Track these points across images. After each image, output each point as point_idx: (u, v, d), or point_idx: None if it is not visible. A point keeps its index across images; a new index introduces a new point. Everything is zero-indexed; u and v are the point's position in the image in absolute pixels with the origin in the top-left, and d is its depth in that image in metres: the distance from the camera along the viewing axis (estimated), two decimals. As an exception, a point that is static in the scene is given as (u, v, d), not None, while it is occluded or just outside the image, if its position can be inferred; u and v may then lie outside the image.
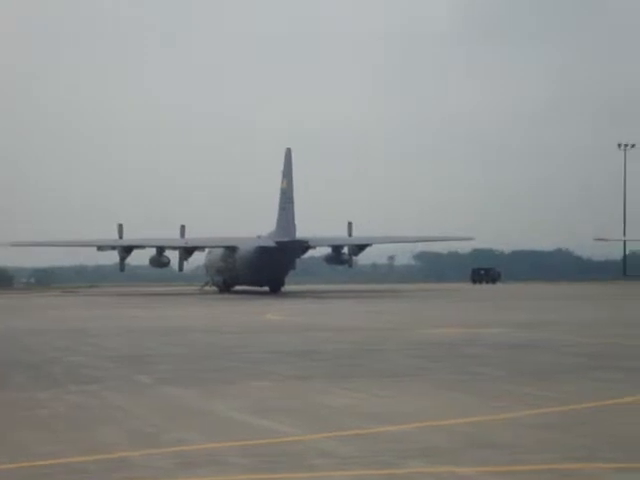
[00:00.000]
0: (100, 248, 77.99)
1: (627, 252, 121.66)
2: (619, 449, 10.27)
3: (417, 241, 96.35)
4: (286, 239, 68.61)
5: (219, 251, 76.62)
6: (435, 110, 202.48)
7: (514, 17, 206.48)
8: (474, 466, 9.46)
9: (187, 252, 77.42)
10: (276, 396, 14.89)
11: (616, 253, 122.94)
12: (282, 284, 73.97)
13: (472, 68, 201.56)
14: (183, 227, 78.04)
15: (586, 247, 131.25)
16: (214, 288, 79.04)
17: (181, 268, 79.94)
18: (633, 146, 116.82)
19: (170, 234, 78.29)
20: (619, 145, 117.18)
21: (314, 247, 75.90)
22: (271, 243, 69.79)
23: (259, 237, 73.19)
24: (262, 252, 70.07)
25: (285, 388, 15.90)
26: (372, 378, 17.12)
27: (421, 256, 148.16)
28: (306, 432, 11.48)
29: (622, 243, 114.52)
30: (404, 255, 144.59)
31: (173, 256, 77.81)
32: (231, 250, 73.65)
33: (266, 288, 73.30)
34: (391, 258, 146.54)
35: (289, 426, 11.92)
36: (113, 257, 79.29)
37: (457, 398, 14.45)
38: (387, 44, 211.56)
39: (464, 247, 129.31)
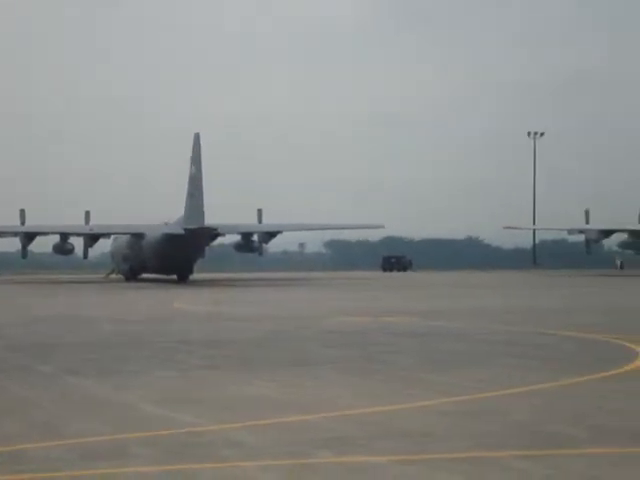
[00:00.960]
0: (0, 234, 76.18)
1: (536, 241, 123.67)
2: (528, 436, 10.24)
3: (327, 229, 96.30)
4: (194, 226, 67.69)
5: (125, 238, 75.44)
6: (350, 99, 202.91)
7: (427, 5, 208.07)
8: (385, 455, 9.32)
9: (92, 239, 76.05)
10: (184, 386, 14.59)
11: (526, 242, 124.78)
12: (190, 272, 73.09)
13: (386, 56, 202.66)
14: (88, 213, 76.53)
15: (496, 236, 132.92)
16: (120, 276, 77.88)
17: (86, 255, 78.55)
18: (542, 134, 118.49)
19: (77, 220, 76.83)
20: (529, 133, 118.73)
21: (223, 234, 75.25)
22: (179, 230, 68.84)
23: (166, 224, 72.16)
24: (170, 239, 69.11)
25: (193, 378, 15.61)
26: (282, 367, 16.92)
27: (332, 244, 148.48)
28: (215, 422, 11.22)
29: (532, 232, 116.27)
30: (315, 243, 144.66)
31: (78, 243, 76.43)
32: (138, 237, 72.55)
33: (174, 276, 72.41)
34: (302, 246, 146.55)
35: (197, 416, 11.64)
36: (15, 244, 77.47)
37: (368, 386, 14.33)
38: (295, 36, 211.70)
39: (375, 235, 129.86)
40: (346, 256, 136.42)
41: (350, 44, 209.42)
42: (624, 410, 11.96)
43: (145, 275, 75.43)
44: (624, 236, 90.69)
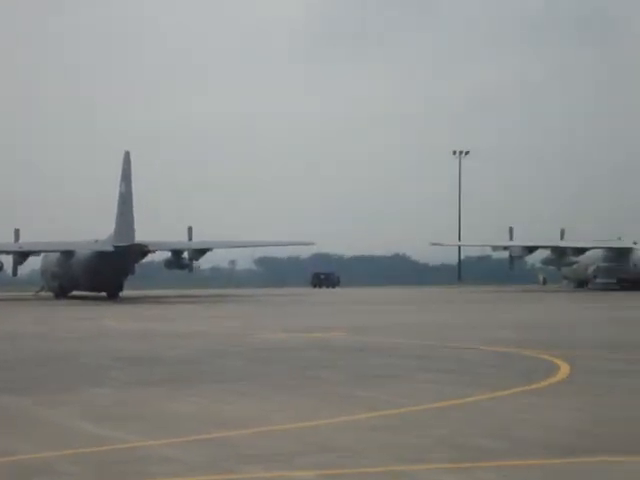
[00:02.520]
0: None
1: (462, 257, 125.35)
2: (448, 450, 10.59)
3: (257, 246, 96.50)
4: (124, 243, 67.51)
5: (55, 255, 74.83)
6: (275, 114, 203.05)
7: (353, 19, 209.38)
8: (312, 470, 9.58)
9: (21, 256, 75.28)
10: (116, 403, 14.69)
11: (451, 258, 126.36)
12: (120, 289, 72.78)
13: (309, 71, 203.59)
14: (17, 231, 75.86)
15: (423, 252, 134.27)
16: (50, 293, 77.16)
17: (15, 273, 77.67)
18: (467, 153, 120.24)
19: (7, 238, 75.93)
20: (454, 152, 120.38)
21: (154, 251, 75.04)
22: (109, 247, 68.60)
23: (96, 241, 71.80)
24: (100, 257, 68.84)
25: (125, 394, 15.71)
26: (214, 383, 17.11)
27: (262, 261, 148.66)
28: (146, 439, 11.38)
29: (457, 248, 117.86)
30: (245, 260, 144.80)
31: (7, 261, 75.58)
32: (67, 255, 72.05)
33: (104, 293, 72.03)
34: (232, 263, 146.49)
35: (129, 433, 11.79)
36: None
37: (296, 402, 14.58)
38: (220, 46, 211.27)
39: (304, 252, 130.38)
40: (276, 273, 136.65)
41: (274, 61, 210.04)
42: (543, 423, 12.37)
43: (75, 292, 74.83)
44: (547, 252, 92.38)
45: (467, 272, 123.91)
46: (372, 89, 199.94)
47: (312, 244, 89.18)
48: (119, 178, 70.20)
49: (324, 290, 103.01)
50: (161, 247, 75.40)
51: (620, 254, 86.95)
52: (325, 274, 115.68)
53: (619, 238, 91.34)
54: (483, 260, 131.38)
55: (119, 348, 25.48)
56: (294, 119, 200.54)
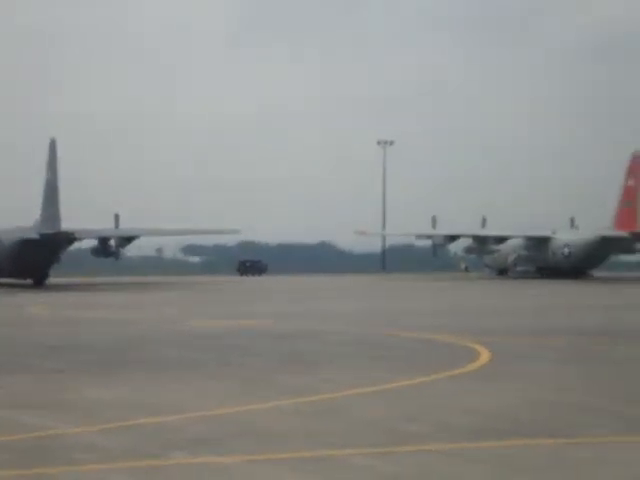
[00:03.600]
0: None
1: (386, 246, 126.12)
2: (374, 434, 10.73)
3: (184, 234, 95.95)
4: (50, 231, 66.71)
5: (-22, 242, 73.58)
6: (211, 102, 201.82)
7: (272, 16, 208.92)
8: (237, 455, 9.64)
9: (-58, 245, 73.86)
10: (39, 390, 14.56)
11: (376, 247, 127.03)
12: (46, 277, 71.95)
13: (240, 68, 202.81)
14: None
15: (348, 241, 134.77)
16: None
17: None
18: (392, 143, 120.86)
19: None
20: (378, 142, 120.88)
21: (80, 239, 74.25)
22: (34, 235, 67.75)
23: (22, 229, 70.81)
24: (25, 244, 67.90)
25: (48, 382, 15.57)
26: (139, 370, 17.03)
27: (189, 248, 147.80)
28: (71, 426, 11.32)
29: (381, 237, 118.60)
30: (172, 247, 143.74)
31: None
32: (-8, 241, 70.94)
33: (29, 281, 71.14)
34: (159, 250, 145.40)
35: (53, 420, 11.71)
36: None
37: (224, 388, 14.62)
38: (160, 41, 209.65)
39: (231, 240, 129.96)
40: (203, 260, 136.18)
41: (204, 52, 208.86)
42: (466, 408, 12.57)
43: (0, 280, 73.77)
44: (469, 241, 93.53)
45: (391, 261, 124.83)
46: (297, 77, 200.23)
47: (237, 232, 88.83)
48: (45, 166, 69.31)
49: (250, 278, 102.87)
50: (87, 235, 74.62)
51: (539, 243, 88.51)
52: (251, 262, 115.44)
53: (539, 227, 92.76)
54: (407, 249, 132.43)
55: (44, 335, 25.22)
56: (217, 106, 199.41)
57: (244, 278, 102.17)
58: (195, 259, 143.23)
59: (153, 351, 20.80)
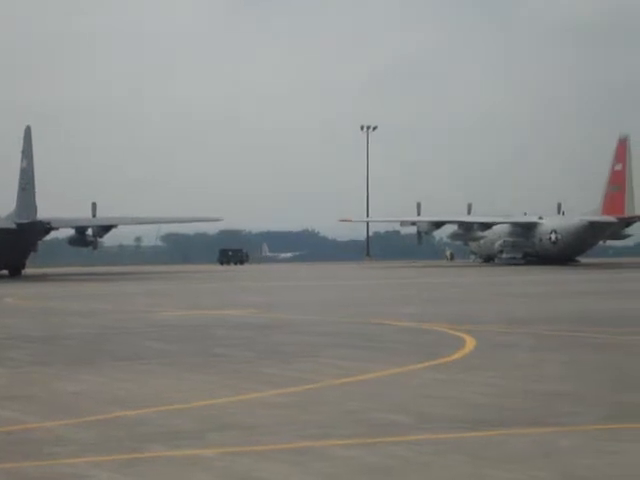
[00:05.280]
0: None
1: (370, 233, 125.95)
2: (355, 425, 10.51)
3: (163, 222, 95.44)
4: (26, 220, 66.16)
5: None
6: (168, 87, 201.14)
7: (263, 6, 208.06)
8: (216, 447, 9.40)
9: None
10: (12, 383, 14.30)
11: (360, 234, 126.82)
12: (23, 267, 71.41)
13: (221, 53, 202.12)
14: None
15: (332, 228, 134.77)
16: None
17: None
18: (375, 128, 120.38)
19: None
20: (362, 127, 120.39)
21: (57, 228, 73.77)
22: (10, 224, 67.14)
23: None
24: (1, 234, 67.33)
25: (22, 374, 15.32)
26: (116, 362, 16.78)
27: (168, 237, 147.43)
28: (43, 419, 11.05)
29: (365, 224, 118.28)
30: (151, 236, 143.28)
31: None
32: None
33: (5, 271, 70.55)
34: (138, 239, 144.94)
35: (27, 414, 11.46)
36: None
37: (202, 380, 14.38)
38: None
39: (212, 228, 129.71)
40: (183, 250, 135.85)
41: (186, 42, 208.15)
42: (450, 397, 12.39)
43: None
44: (454, 227, 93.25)
45: (376, 248, 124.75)
46: (282, 64, 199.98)
47: (219, 220, 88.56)
48: (20, 154, 68.70)
49: (232, 267, 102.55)
50: (64, 224, 74.13)
51: (526, 229, 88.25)
52: (233, 250, 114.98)
53: (525, 213, 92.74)
54: (391, 235, 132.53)
55: (19, 326, 24.90)
56: (196, 92, 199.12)
57: (225, 267, 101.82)
58: (175, 248, 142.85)
59: (130, 342, 20.51)
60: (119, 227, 78.63)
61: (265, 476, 8.33)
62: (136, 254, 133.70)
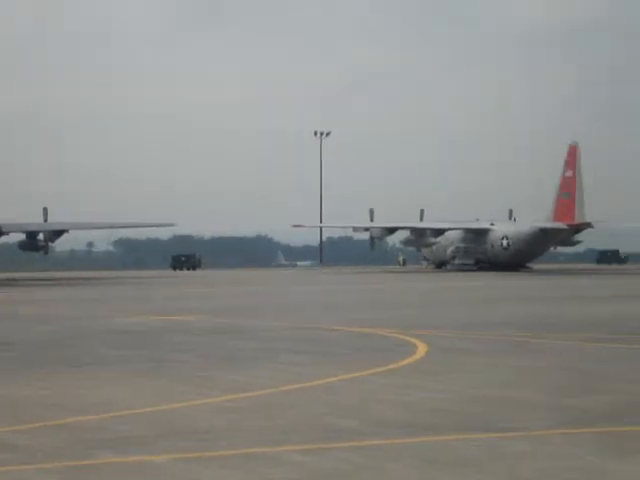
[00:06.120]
0: None
1: (324, 239, 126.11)
2: (308, 431, 10.49)
3: (115, 227, 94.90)
4: (-25, 226, 65.48)
5: None
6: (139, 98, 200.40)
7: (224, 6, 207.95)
8: (166, 454, 9.32)
9: None
10: (-42, 389, 14.05)
11: (314, 239, 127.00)
12: (-29, 272, 70.65)
13: (180, 58, 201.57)
14: None
15: (285, 234, 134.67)
16: None
17: None
18: (329, 134, 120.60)
19: None
20: (315, 133, 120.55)
21: (7, 233, 72.99)
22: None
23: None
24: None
25: (-31, 381, 15.05)
26: (69, 368, 16.61)
27: (120, 242, 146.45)
28: (-9, 426, 10.88)
29: (318, 229, 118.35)
30: (103, 242, 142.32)
31: None
32: None
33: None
34: (90, 245, 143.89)
35: (-27, 421, 11.26)
36: None
37: (155, 386, 14.27)
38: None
39: (165, 233, 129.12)
40: (135, 255, 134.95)
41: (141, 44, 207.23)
42: (401, 403, 12.41)
43: None
44: (407, 233, 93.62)
45: (329, 253, 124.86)
46: (235, 71, 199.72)
47: (172, 225, 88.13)
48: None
49: (185, 272, 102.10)
50: (15, 228, 73.38)
51: (478, 235, 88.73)
52: (186, 256, 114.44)
53: (477, 219, 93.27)
54: (344, 241, 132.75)
55: (-32, 332, 24.55)
56: (154, 108, 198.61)
57: (178, 272, 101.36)
58: (127, 253, 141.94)
59: (83, 348, 20.32)
60: (70, 232, 77.98)
61: (217, 482, 8.27)
62: (88, 259, 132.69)
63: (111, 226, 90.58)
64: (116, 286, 62.07)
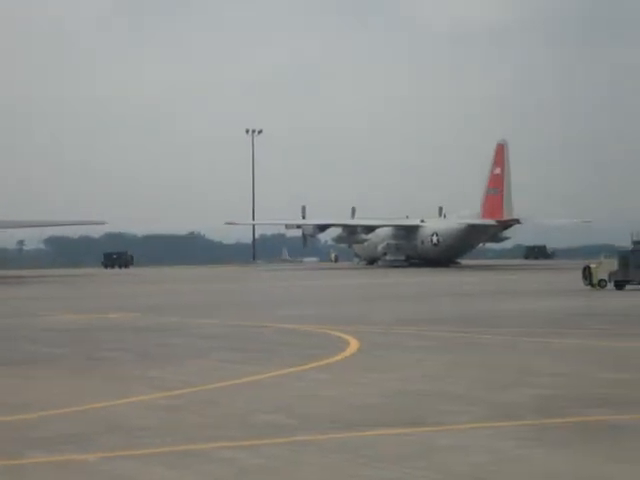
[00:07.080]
0: None
1: (257, 236, 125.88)
2: (239, 427, 10.58)
3: (46, 225, 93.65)
4: None
5: None
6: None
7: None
8: (97, 452, 9.34)
9: None
10: None
11: (247, 237, 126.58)
12: None
13: (123, 58, 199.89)
14: None
15: (218, 231, 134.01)
16: None
17: None
18: (260, 132, 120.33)
19: None
20: (247, 131, 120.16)
21: None
22: None
23: None
24: None
25: None
26: (0, 366, 16.47)
27: (51, 240, 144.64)
28: None
29: (251, 227, 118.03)
30: (33, 240, 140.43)
31: None
32: None
33: None
34: (20, 243, 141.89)
35: None
36: None
37: (86, 384, 14.24)
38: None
39: (96, 231, 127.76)
40: (67, 253, 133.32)
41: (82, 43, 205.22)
42: (331, 398, 12.54)
43: None
44: (339, 230, 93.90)
45: (262, 250, 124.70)
46: (168, 64, 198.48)
47: (103, 223, 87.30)
48: None
49: (116, 270, 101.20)
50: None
51: (408, 232, 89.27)
52: (117, 254, 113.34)
53: (407, 216, 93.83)
54: (277, 238, 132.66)
55: None
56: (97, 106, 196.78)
57: (110, 271, 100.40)
58: (58, 251, 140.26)
59: (15, 346, 20.15)
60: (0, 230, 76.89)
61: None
62: (19, 258, 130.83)
63: (41, 224, 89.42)
64: (48, 285, 61.37)
